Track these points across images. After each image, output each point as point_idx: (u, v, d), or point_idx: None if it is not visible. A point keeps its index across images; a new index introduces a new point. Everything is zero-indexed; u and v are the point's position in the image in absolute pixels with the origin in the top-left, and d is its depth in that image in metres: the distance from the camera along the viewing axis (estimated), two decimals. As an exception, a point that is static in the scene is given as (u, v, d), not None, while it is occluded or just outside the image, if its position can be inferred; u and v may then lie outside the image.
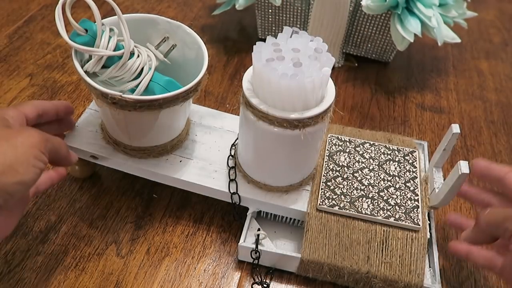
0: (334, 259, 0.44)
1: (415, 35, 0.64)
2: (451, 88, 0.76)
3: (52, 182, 0.44)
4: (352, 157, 0.51)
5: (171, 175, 0.49)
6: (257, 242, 0.46)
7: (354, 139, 0.53)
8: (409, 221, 0.45)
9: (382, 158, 0.51)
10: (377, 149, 0.52)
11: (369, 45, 0.75)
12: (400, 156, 0.51)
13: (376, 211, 0.46)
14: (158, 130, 0.48)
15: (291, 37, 0.41)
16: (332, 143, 0.52)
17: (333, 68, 0.75)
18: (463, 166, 0.41)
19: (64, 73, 0.70)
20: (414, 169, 0.50)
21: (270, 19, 0.75)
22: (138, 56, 0.44)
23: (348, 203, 0.46)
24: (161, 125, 0.47)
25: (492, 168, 0.43)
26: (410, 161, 0.51)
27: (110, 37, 0.43)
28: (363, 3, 0.64)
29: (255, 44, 0.40)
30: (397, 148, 0.52)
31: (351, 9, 0.69)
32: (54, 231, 0.50)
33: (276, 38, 0.41)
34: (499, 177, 0.42)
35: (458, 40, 0.69)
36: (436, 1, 0.64)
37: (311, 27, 0.72)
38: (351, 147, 0.52)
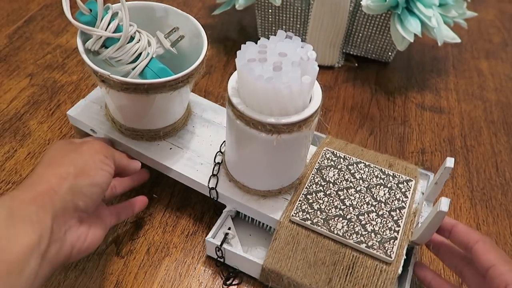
0: (295, 273, 0.43)
1: (415, 35, 0.64)
2: (451, 88, 0.76)
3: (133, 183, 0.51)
4: (342, 175, 0.49)
5: (157, 159, 0.50)
6: (223, 240, 0.46)
7: (349, 156, 0.51)
8: (381, 251, 0.42)
9: (373, 181, 0.48)
10: (371, 171, 0.49)
11: (369, 45, 0.75)
12: (393, 183, 0.48)
13: (349, 234, 0.43)
14: (148, 115, 0.49)
15: (283, 41, 0.41)
16: (325, 157, 0.50)
17: (333, 68, 0.76)
18: (443, 204, 0.38)
19: (64, 73, 0.70)
20: (404, 199, 0.47)
21: (270, 19, 0.75)
22: (139, 41, 0.46)
23: (322, 220, 0.44)
24: (150, 110, 0.48)
25: (462, 232, 0.41)
26: (403, 190, 0.48)
27: (112, 19, 0.44)
28: (363, 3, 0.64)
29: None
30: (393, 173, 0.49)
31: (351, 9, 0.69)
32: (54, 231, 0.50)
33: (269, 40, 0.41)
34: (467, 244, 0.40)
35: (458, 40, 0.69)
36: (436, 1, 0.64)
37: (311, 27, 0.72)
38: (344, 164, 0.50)
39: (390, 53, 0.76)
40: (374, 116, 0.69)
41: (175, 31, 0.50)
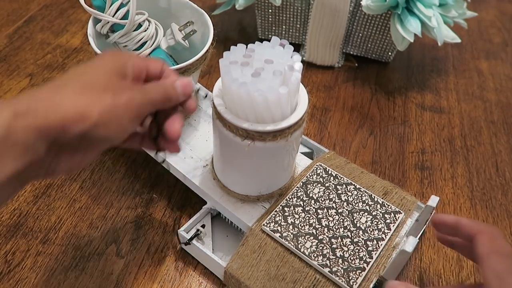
0: (253, 283, 0.41)
1: (415, 35, 0.64)
2: (451, 88, 0.76)
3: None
4: (327, 193, 0.47)
5: (151, 148, 0.50)
6: (194, 235, 0.46)
7: (341, 176, 0.49)
8: (343, 280, 0.40)
9: (358, 206, 0.46)
10: (359, 195, 0.47)
11: (369, 45, 0.75)
12: (380, 212, 0.46)
13: (315, 255, 0.42)
14: None
15: (275, 48, 0.40)
16: (316, 172, 0.49)
17: (333, 68, 0.76)
18: (408, 244, 0.37)
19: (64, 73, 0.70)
20: (386, 231, 0.44)
21: (270, 19, 0.75)
22: (146, 30, 0.48)
23: (291, 235, 0.43)
24: None
25: (446, 219, 0.39)
26: (388, 221, 0.45)
27: (123, 6, 0.46)
28: (363, 3, 0.64)
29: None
30: (383, 202, 0.47)
31: (351, 9, 0.69)
32: (54, 231, 0.50)
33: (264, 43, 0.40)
34: (453, 225, 0.38)
35: (458, 40, 0.69)
36: (436, 1, 0.64)
37: (311, 27, 0.72)
38: (332, 183, 0.48)
39: (390, 53, 0.76)
40: (374, 116, 0.69)
41: (189, 25, 0.51)
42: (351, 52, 0.77)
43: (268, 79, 0.37)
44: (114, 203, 0.54)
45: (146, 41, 0.48)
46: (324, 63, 0.76)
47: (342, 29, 0.71)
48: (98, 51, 0.46)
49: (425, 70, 0.79)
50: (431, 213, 0.44)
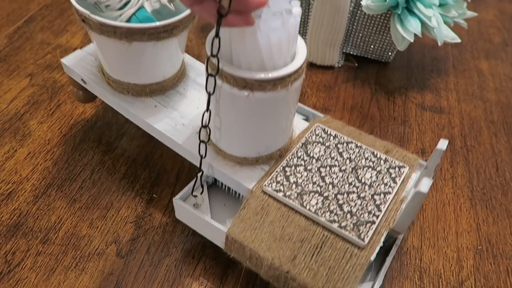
0: (258, 246, 0.40)
1: (415, 35, 0.64)
2: (451, 88, 0.76)
3: None
4: (328, 152, 0.46)
5: (140, 115, 0.50)
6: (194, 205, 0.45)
7: (340, 135, 0.48)
8: (354, 234, 0.39)
9: (361, 163, 0.45)
10: (362, 152, 0.46)
11: (369, 45, 0.75)
12: (384, 167, 0.45)
13: (322, 211, 0.41)
14: (132, 66, 0.48)
15: None
16: (315, 132, 0.48)
17: (333, 68, 0.76)
18: (423, 185, 0.36)
19: (64, 73, 0.70)
20: (392, 185, 0.43)
21: (270, 19, 0.75)
22: None
23: (295, 194, 0.42)
24: (134, 61, 0.47)
25: None
26: (393, 176, 0.44)
27: None
28: (363, 3, 0.64)
29: None
30: (386, 158, 0.46)
31: (351, 9, 0.69)
32: (54, 231, 0.50)
33: None
34: None
35: (458, 40, 0.69)
36: (436, 1, 0.64)
37: (311, 27, 0.72)
38: (333, 142, 0.47)
39: (390, 53, 0.76)
40: (374, 116, 0.69)
41: None
42: (351, 52, 0.77)
43: (269, 20, 0.36)
44: (114, 203, 0.54)
45: (130, 0, 0.45)
46: (324, 63, 0.76)
47: (342, 29, 0.71)
48: (79, 8, 0.43)
49: (425, 70, 0.79)
50: (441, 158, 0.43)
